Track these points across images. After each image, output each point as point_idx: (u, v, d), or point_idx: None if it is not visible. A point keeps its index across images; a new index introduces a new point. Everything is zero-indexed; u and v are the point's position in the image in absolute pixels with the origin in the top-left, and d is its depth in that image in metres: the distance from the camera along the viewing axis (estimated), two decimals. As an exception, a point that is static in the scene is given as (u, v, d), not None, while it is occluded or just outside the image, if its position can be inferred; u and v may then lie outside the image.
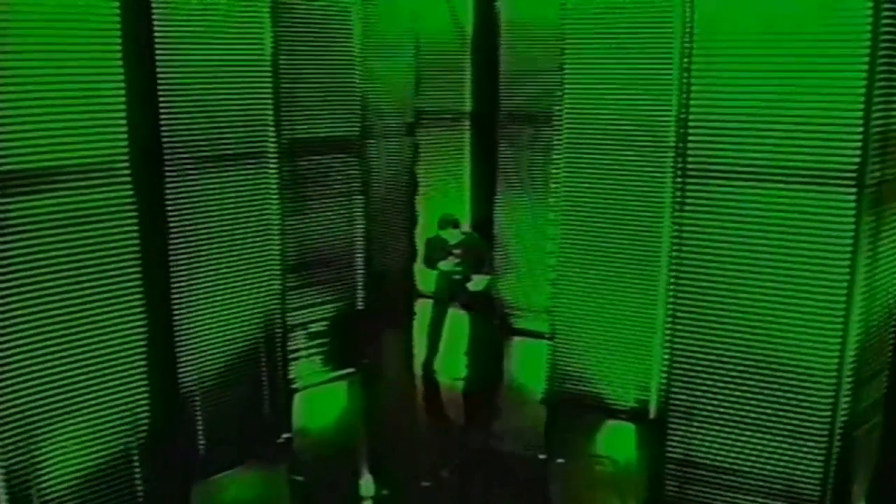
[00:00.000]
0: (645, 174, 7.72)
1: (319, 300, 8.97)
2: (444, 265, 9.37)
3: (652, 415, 8.01)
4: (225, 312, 7.57)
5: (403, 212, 10.39)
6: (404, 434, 8.53)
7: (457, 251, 9.35)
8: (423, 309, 10.69)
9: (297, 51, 8.24)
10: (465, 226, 10.00)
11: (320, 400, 9.00)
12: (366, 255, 9.33)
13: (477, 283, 9.41)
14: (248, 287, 7.69)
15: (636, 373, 8.15)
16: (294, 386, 8.73)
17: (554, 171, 8.22)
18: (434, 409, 9.45)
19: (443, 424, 9.04)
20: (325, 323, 9.09)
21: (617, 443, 8.22)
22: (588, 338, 8.28)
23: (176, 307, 7.22)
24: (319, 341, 9.06)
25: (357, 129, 8.91)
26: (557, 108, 8.11)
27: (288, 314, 8.35)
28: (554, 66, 8.25)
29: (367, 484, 7.80)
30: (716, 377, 6.90)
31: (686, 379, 7.00)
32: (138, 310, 6.68)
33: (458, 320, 10.08)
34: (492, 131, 10.67)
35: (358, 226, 9.16)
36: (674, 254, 6.97)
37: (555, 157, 8.22)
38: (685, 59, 6.92)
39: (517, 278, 10.65)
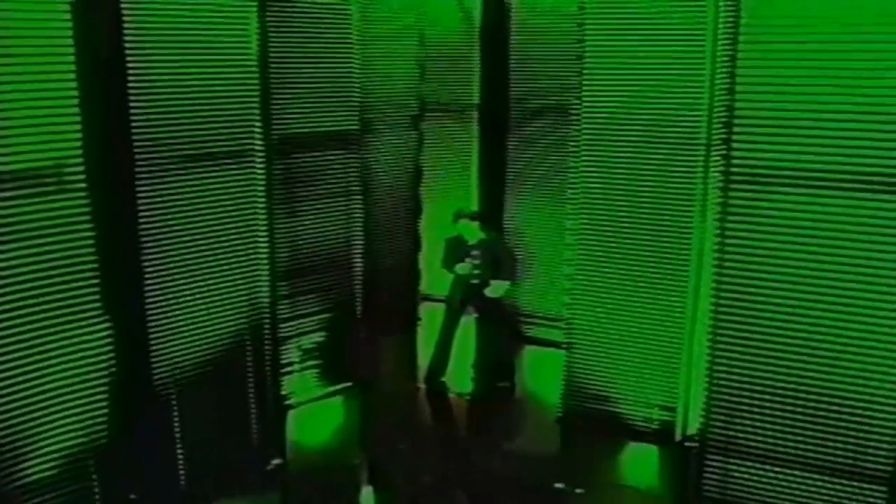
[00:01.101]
0: (674, 174, 7.23)
1: (314, 309, 8.40)
2: (461, 268, 8.72)
3: (678, 437, 7.59)
4: (204, 324, 6.98)
5: (406, 210, 9.89)
6: (407, 454, 7.87)
7: (475, 252, 8.69)
8: (429, 314, 10.22)
9: (288, 40, 7.67)
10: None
11: (315, 417, 8.39)
12: (365, 258, 8.76)
13: (495, 288, 8.74)
14: (230, 296, 7.11)
15: (661, 390, 7.65)
16: (288, 402, 8.20)
17: (572, 168, 7.70)
18: (440, 427, 8.81)
19: (449, 444, 8.40)
20: (320, 333, 8.51)
21: (640, 469, 7.64)
22: (608, 350, 7.78)
23: (151, 321, 6.61)
24: (314, 353, 8.49)
25: (355, 122, 8.34)
26: (575, 100, 7.58)
27: (279, 325, 7.80)
28: (571, 55, 7.73)
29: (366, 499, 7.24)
30: (761, 406, 6.35)
31: (726, 407, 6.46)
32: (99, 324, 6.03)
33: (467, 329, 9.43)
34: (501, 124, 10.12)
35: (356, 227, 8.58)
36: (715, 267, 6.41)
37: (572, 153, 7.71)
38: (721, 48, 6.43)
39: (529, 283, 10.11)
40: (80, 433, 6.05)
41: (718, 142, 6.80)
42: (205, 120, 6.68)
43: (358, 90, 8.28)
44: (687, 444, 7.49)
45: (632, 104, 7.29)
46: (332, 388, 8.68)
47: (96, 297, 5.96)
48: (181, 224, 6.65)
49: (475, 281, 8.78)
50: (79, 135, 5.65)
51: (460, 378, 9.21)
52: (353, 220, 8.53)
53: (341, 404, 8.72)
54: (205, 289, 6.90)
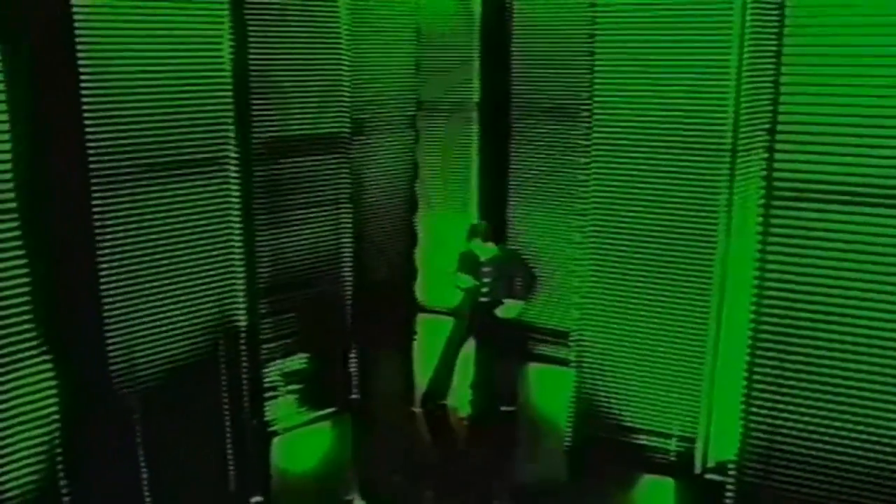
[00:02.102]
0: (696, 181, 6.79)
1: (299, 328, 7.88)
2: (464, 280, 8.36)
3: (698, 469, 7.15)
4: (171, 348, 6.36)
5: (402, 218, 9.36)
6: (402, 486, 7.45)
7: (486, 269, 8.27)
8: (426, 328, 9.76)
9: (269, 34, 7.17)
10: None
11: (302, 445, 7.89)
12: (355, 271, 8.28)
13: (507, 308, 8.34)
14: (200, 317, 6.52)
15: (679, 417, 7.18)
16: (272, 429, 7.69)
17: (581, 173, 7.28)
18: (439, 455, 8.25)
19: (449, 475, 7.79)
20: (306, 354, 7.99)
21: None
22: (621, 370, 7.34)
23: (111, 347, 5.97)
24: (300, 376, 7.97)
25: (345, 124, 7.91)
26: (586, 100, 7.15)
27: (261, 346, 7.26)
28: (581, 50, 7.61)
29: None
30: (804, 446, 5.84)
31: (764, 445, 5.99)
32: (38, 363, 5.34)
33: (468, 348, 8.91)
34: (503, 125, 9.71)
35: (345, 237, 8.11)
36: (756, 289, 5.94)
37: (582, 157, 7.28)
38: (750, 46, 6.18)
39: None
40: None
41: (744, 148, 6.50)
42: (168, 125, 6.10)
43: (348, 89, 7.87)
44: (708, 476, 7.06)
45: (648, 106, 6.85)
46: (319, 413, 8.21)
47: (33, 331, 5.33)
48: (142, 241, 6.08)
49: (484, 299, 8.35)
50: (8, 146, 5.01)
51: (462, 400, 8.76)
52: (342, 229, 8.07)
53: (330, 431, 8.26)
54: (171, 309, 6.32)
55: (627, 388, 7.31)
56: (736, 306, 6.72)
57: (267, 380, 7.51)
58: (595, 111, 7.06)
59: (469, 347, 8.80)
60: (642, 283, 7.10)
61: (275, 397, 7.72)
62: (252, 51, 6.75)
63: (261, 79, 7.01)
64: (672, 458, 7.24)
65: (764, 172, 5.66)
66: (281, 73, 7.29)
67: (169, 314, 6.26)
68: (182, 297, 6.34)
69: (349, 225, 8.06)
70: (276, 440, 7.69)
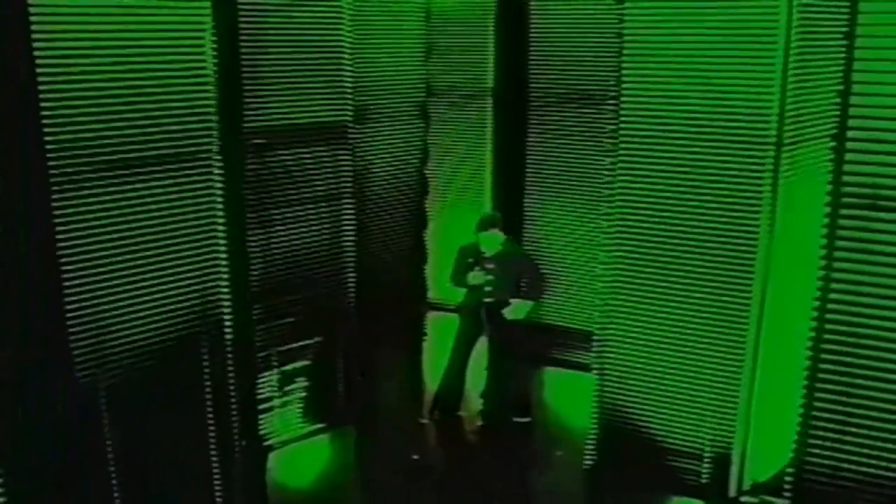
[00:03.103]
0: (735, 176, 6.38)
1: (296, 333, 7.54)
2: (474, 277, 7.88)
3: (733, 492, 6.81)
4: (143, 358, 6.06)
5: (410, 212, 9.23)
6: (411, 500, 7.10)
7: (489, 265, 7.86)
8: (438, 327, 9.49)
9: (262, 15, 6.78)
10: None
11: (301, 459, 7.56)
12: (359, 270, 7.91)
13: (516, 309, 7.97)
14: (180, 325, 6.22)
15: (714, 432, 6.79)
16: (267, 443, 7.41)
17: (607, 165, 6.92)
18: (449, 470, 7.82)
19: (456, 489, 7.43)
20: (304, 361, 7.66)
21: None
22: (647, 378, 6.97)
23: (78, 362, 5.65)
24: (298, 385, 7.64)
25: (347, 112, 7.49)
26: (612, 86, 6.75)
27: (254, 354, 7.05)
28: (607, 32, 7.43)
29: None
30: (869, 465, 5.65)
31: (828, 465, 5.81)
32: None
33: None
34: (519, 113, 9.39)
35: (347, 234, 7.72)
36: (818, 303, 5.73)
37: (608, 147, 6.91)
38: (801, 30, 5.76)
39: (552, 296, 9.35)
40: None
41: (790, 141, 6.09)
42: (139, 119, 5.79)
43: (350, 73, 7.44)
44: (744, 499, 6.77)
45: (683, 92, 6.43)
46: (320, 426, 7.90)
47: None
48: (107, 242, 5.79)
49: (489, 299, 7.94)
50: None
51: (473, 411, 8.39)
52: (343, 226, 7.68)
53: (332, 444, 7.93)
54: (143, 317, 6.01)
55: (655, 398, 6.95)
56: (779, 312, 6.39)
57: (261, 391, 7.20)
58: (623, 98, 6.67)
59: (480, 351, 8.43)
60: (673, 283, 6.73)
61: (270, 409, 7.39)
62: (243, 33, 6.42)
63: (252, 63, 6.68)
64: (704, 480, 6.86)
65: (831, 176, 5.40)
66: (275, 56, 6.92)
67: (140, 322, 5.95)
68: (156, 304, 6.05)
69: (351, 221, 7.69)
70: (272, 455, 7.37)
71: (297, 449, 7.59)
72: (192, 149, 6.05)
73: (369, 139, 8.34)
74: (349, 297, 7.82)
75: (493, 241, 7.88)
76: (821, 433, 5.82)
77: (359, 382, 8.08)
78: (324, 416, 7.86)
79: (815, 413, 5.81)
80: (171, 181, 5.97)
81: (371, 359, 8.40)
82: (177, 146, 5.97)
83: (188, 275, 6.18)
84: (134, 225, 5.82)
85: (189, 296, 6.20)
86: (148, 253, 5.93)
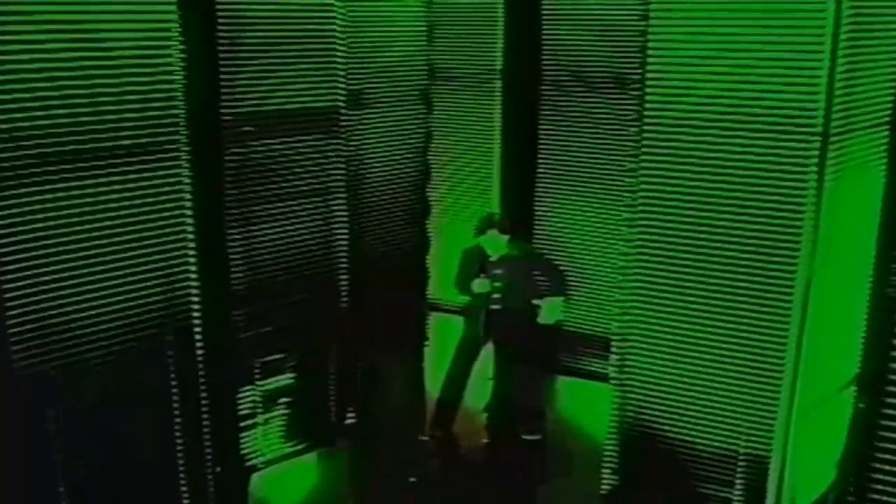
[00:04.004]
0: (775, 169, 6.05)
1: (283, 340, 7.28)
2: (480, 285, 7.74)
3: None
4: (97, 370, 5.75)
5: (409, 206, 8.79)
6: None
7: (497, 270, 7.72)
8: (440, 329, 9.23)
9: None
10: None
11: (288, 480, 7.33)
12: (353, 271, 7.70)
13: (549, 310, 7.85)
14: (137, 332, 5.92)
15: (749, 446, 6.49)
16: (251, 463, 7.16)
17: (629, 155, 6.71)
18: (448, 491, 7.64)
19: None
20: (291, 373, 7.39)
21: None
22: (676, 392, 6.66)
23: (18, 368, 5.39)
24: (285, 398, 7.38)
25: (339, 97, 7.30)
26: (636, 68, 6.50)
27: (236, 363, 6.80)
28: (630, 8, 7.40)
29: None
30: None
31: None
32: None
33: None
34: (532, 97, 9.09)
35: (339, 232, 7.52)
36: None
37: (630, 136, 6.69)
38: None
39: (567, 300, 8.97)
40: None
41: (839, 131, 5.68)
42: (89, 108, 5.45)
43: (342, 54, 7.26)
44: None
45: (716, 76, 6.11)
46: (309, 443, 7.65)
47: None
48: (55, 242, 5.49)
49: (496, 306, 7.78)
50: None
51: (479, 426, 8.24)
52: (335, 223, 7.48)
53: (322, 463, 7.71)
54: (98, 328, 5.71)
55: (684, 413, 6.66)
56: (824, 318, 6.03)
57: (243, 405, 6.94)
58: (648, 82, 6.36)
59: (485, 361, 8.26)
60: (704, 287, 6.44)
61: (253, 426, 7.11)
62: (219, 8, 6.20)
63: (230, 42, 6.43)
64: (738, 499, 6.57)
65: (886, 170, 5.18)
66: (256, 33, 6.67)
67: (91, 332, 5.64)
68: (112, 311, 5.76)
69: (344, 217, 7.48)
70: (255, 476, 7.11)
71: (283, 470, 7.39)
72: (155, 139, 5.78)
73: (365, 126, 8.00)
74: (342, 300, 7.63)
75: (496, 244, 7.81)
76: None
77: (355, 394, 7.87)
78: (313, 433, 7.67)
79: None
80: (129, 175, 5.70)
81: (367, 367, 8.13)
82: (135, 136, 5.69)
83: (151, 277, 5.93)
84: (84, 222, 5.54)
85: (152, 301, 5.94)
86: (102, 254, 5.67)
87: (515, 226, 8.06)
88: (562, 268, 8.38)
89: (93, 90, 5.40)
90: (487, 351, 8.09)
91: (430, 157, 8.94)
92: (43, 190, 5.27)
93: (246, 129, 6.54)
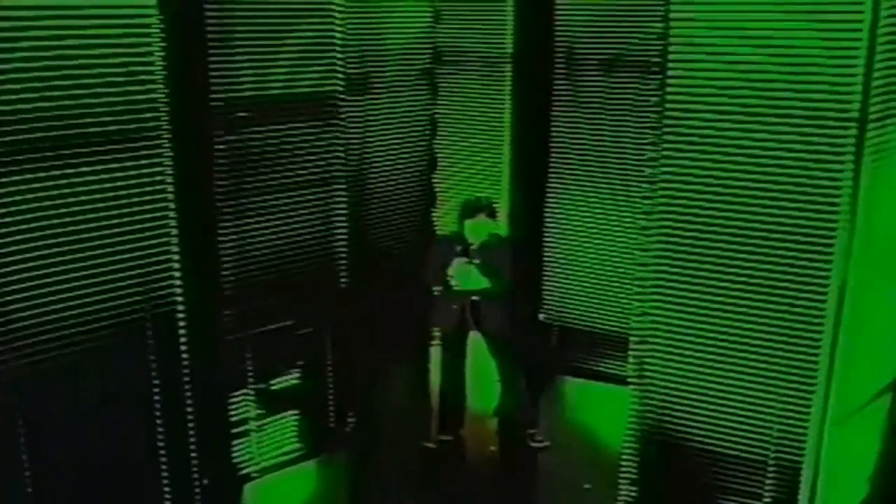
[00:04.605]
0: (808, 156, 5.85)
1: (279, 340, 7.12)
2: (460, 270, 7.63)
3: None
4: (67, 375, 5.56)
5: (414, 197, 8.74)
6: None
7: (476, 260, 7.63)
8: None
9: None
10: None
11: (283, 491, 7.17)
12: (352, 267, 7.53)
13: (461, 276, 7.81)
14: (112, 334, 5.74)
15: (779, 456, 6.30)
16: (243, 472, 7.00)
17: (650, 143, 6.50)
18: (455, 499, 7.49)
19: None
20: (287, 375, 7.24)
21: None
22: (699, 393, 6.46)
23: None
24: (280, 402, 7.25)
25: (337, 80, 7.06)
26: (656, 51, 6.28)
27: (225, 367, 6.68)
28: None
29: None
30: None
31: None
32: None
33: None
34: (544, 82, 8.88)
35: (338, 225, 7.31)
36: None
37: (650, 123, 6.51)
38: None
39: (579, 297, 8.91)
40: None
41: (877, 117, 5.48)
42: (53, 90, 5.24)
43: (341, 36, 7.04)
44: None
45: (743, 58, 5.90)
46: (306, 451, 7.49)
47: None
48: (23, 234, 5.32)
49: (475, 298, 7.68)
50: None
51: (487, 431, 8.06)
52: (334, 215, 7.27)
53: (320, 472, 7.51)
54: (66, 326, 5.53)
55: (710, 417, 6.44)
56: (860, 326, 5.85)
57: (235, 411, 6.78)
58: (670, 64, 6.15)
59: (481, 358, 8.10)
60: (731, 283, 6.24)
61: (246, 433, 6.96)
62: None
63: (220, 22, 6.24)
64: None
65: None
66: (249, 12, 6.48)
67: (63, 330, 5.48)
68: (86, 309, 5.58)
69: (344, 210, 7.28)
70: (248, 487, 6.95)
71: (278, 479, 7.23)
72: (131, 126, 5.58)
73: (366, 113, 7.87)
74: (341, 297, 7.45)
75: (480, 230, 7.70)
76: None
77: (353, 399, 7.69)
78: (310, 439, 7.50)
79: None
80: (103, 164, 5.54)
81: (368, 369, 8.03)
82: (110, 123, 5.49)
83: (129, 273, 5.78)
84: (54, 215, 5.39)
85: (131, 299, 5.78)
86: (74, 249, 5.52)
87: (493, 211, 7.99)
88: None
89: (63, 72, 5.21)
90: (479, 345, 7.98)
91: (435, 147, 8.83)
92: (7, 182, 5.12)
93: (241, 114, 6.39)
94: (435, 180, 8.90)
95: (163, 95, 5.59)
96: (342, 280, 7.43)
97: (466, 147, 9.32)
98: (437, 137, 8.85)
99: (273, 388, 7.12)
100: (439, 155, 8.90)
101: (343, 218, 7.30)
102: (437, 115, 8.76)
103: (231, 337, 6.58)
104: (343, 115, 7.13)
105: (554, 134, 8.85)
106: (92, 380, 5.56)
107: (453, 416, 7.97)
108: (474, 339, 7.93)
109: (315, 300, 7.30)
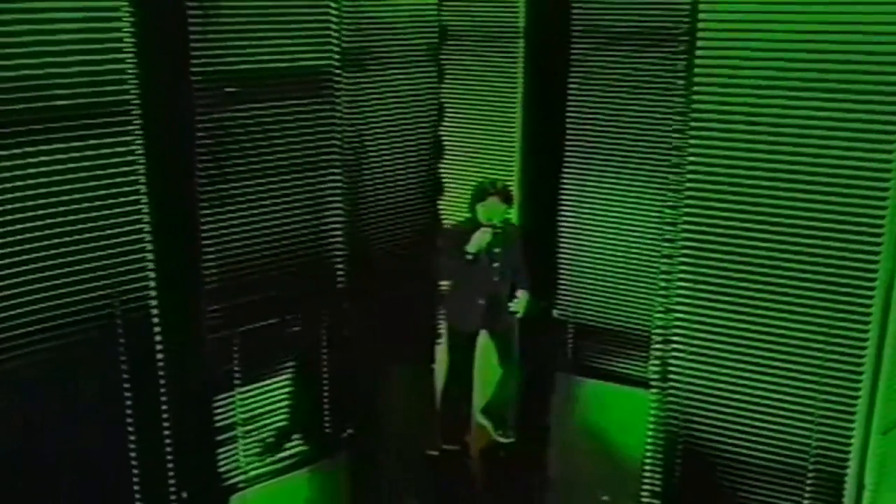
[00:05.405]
0: (853, 138, 5.67)
1: (268, 339, 6.82)
2: (480, 241, 7.69)
3: None
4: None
5: (418, 183, 8.29)
6: None
7: (497, 250, 7.69)
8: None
9: None
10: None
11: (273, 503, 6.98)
12: (351, 260, 7.23)
13: (523, 304, 7.90)
14: (77, 331, 5.45)
15: (818, 467, 6.14)
16: (230, 483, 6.73)
17: (676, 126, 6.48)
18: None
19: None
20: (279, 377, 6.93)
21: None
22: (729, 397, 6.36)
23: None
24: (270, 406, 6.93)
25: (333, 55, 6.79)
26: (684, 25, 6.28)
27: (211, 369, 6.38)
28: None
29: None
30: None
31: None
32: None
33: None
34: (559, 59, 8.52)
35: (334, 214, 7.04)
36: None
37: (676, 105, 6.55)
38: None
39: (596, 292, 8.63)
40: None
41: None
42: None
43: (336, 5, 6.77)
44: None
45: (779, 27, 5.70)
46: (299, 459, 7.20)
47: None
48: None
49: (496, 278, 7.73)
50: None
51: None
52: (329, 202, 6.99)
53: (313, 482, 7.24)
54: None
55: (738, 423, 6.28)
56: None
57: (220, 416, 6.48)
58: (699, 37, 5.94)
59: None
60: (763, 278, 6.10)
61: (233, 439, 6.68)
62: None
63: None
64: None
65: None
66: None
67: (16, 330, 5.13)
68: (43, 305, 5.26)
69: (338, 197, 7.00)
70: (235, 498, 6.70)
71: (269, 490, 6.95)
72: (94, 99, 5.23)
73: (366, 92, 7.47)
74: (337, 292, 7.19)
75: (494, 214, 7.68)
76: None
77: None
78: (304, 447, 7.25)
79: None
80: (65, 143, 5.18)
81: (367, 370, 7.69)
82: (69, 97, 5.15)
83: (96, 263, 5.46)
84: (6, 199, 5.03)
85: (97, 293, 5.45)
86: (29, 236, 5.18)
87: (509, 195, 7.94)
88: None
89: (13, 38, 4.85)
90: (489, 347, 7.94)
91: (441, 130, 8.49)
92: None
93: (225, 89, 6.07)
94: (441, 167, 8.59)
95: (132, 66, 5.27)
96: (338, 273, 7.18)
97: (475, 131, 9.08)
98: (443, 120, 8.54)
99: (262, 390, 6.83)
100: (445, 139, 8.60)
101: (339, 206, 7.04)
102: (442, 96, 8.44)
103: (216, 335, 6.29)
104: (338, 94, 6.86)
105: (570, 117, 8.52)
106: (52, 384, 5.28)
107: (458, 422, 7.87)
108: (484, 339, 7.88)
109: (309, 295, 7.03)
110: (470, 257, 7.66)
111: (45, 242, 5.18)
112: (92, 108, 5.23)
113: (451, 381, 8.03)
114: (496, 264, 7.71)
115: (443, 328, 8.13)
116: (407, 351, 8.38)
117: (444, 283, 8.45)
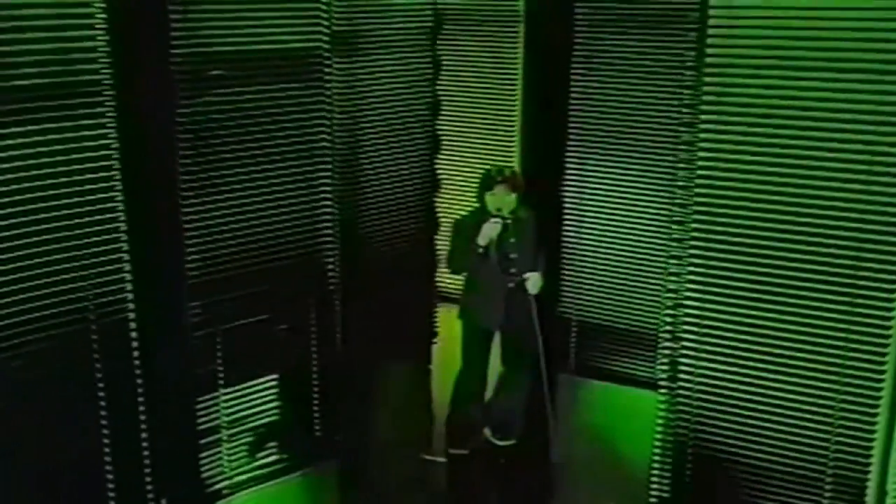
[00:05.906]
0: (875, 126, 5.57)
1: (255, 338, 6.67)
2: (490, 230, 7.60)
3: None
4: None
5: (414, 172, 8.17)
6: None
7: (512, 240, 7.56)
8: (450, 321, 8.72)
9: None
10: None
11: None
12: (344, 254, 7.10)
13: (534, 284, 7.76)
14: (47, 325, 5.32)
15: (838, 473, 6.06)
16: (212, 489, 6.59)
17: (686, 115, 6.29)
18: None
19: None
20: (265, 379, 6.81)
21: None
22: (742, 400, 6.24)
23: None
24: (256, 408, 6.81)
25: (322, 36, 6.61)
26: (694, 11, 6.19)
27: (194, 370, 6.22)
28: None
29: None
30: None
31: None
32: None
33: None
34: (562, 42, 8.37)
35: (324, 206, 6.89)
36: None
37: (684, 92, 6.42)
38: None
39: (601, 289, 8.54)
40: None
41: None
42: None
43: None
44: None
45: (799, 7, 5.59)
46: (288, 464, 7.07)
47: None
48: None
49: (512, 270, 7.56)
50: None
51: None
52: (319, 193, 6.83)
53: (304, 490, 7.12)
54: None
55: (752, 427, 6.21)
56: None
57: (203, 418, 6.35)
58: (711, 18, 5.80)
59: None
60: (778, 273, 6.00)
61: (217, 443, 6.53)
62: None
63: None
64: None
65: None
66: None
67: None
68: (6, 300, 5.11)
69: (329, 189, 6.85)
70: None
71: (254, 497, 6.78)
72: (62, 79, 5.06)
73: (359, 76, 7.31)
74: (329, 288, 7.03)
75: (502, 203, 7.53)
76: None
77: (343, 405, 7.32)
78: (293, 451, 7.12)
79: None
80: (30, 126, 5.00)
81: (361, 371, 7.58)
82: (34, 77, 4.97)
83: (67, 255, 5.29)
84: None
85: (69, 285, 5.32)
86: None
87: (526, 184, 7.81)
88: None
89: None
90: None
91: (438, 118, 8.29)
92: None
93: (212, 73, 5.92)
94: (437, 158, 8.40)
95: (104, 44, 5.09)
96: (329, 268, 7.03)
97: (473, 120, 8.98)
98: (440, 108, 8.32)
99: (249, 391, 6.68)
100: (441, 129, 8.42)
101: (329, 198, 6.90)
102: (438, 82, 8.22)
103: (199, 332, 6.15)
104: (328, 79, 6.69)
105: (573, 106, 8.38)
106: (18, 384, 5.10)
107: (468, 426, 7.81)
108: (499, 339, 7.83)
109: (298, 291, 6.88)
110: (481, 251, 7.55)
111: (7, 233, 5.04)
112: (60, 89, 5.08)
113: (462, 383, 7.93)
114: (513, 255, 7.59)
115: (459, 326, 8.00)
116: (402, 351, 8.25)
117: (458, 278, 8.37)
